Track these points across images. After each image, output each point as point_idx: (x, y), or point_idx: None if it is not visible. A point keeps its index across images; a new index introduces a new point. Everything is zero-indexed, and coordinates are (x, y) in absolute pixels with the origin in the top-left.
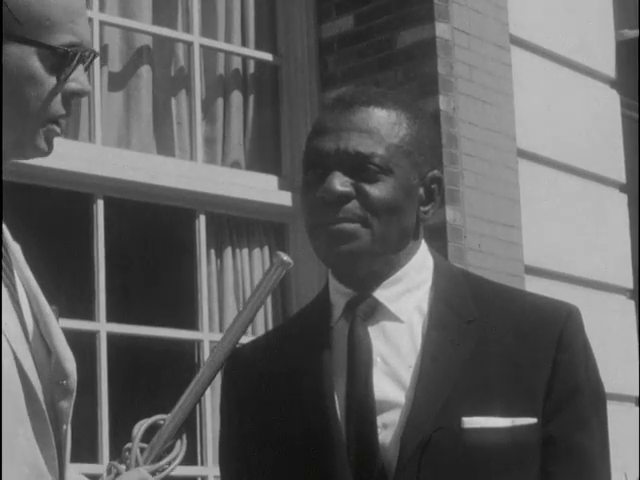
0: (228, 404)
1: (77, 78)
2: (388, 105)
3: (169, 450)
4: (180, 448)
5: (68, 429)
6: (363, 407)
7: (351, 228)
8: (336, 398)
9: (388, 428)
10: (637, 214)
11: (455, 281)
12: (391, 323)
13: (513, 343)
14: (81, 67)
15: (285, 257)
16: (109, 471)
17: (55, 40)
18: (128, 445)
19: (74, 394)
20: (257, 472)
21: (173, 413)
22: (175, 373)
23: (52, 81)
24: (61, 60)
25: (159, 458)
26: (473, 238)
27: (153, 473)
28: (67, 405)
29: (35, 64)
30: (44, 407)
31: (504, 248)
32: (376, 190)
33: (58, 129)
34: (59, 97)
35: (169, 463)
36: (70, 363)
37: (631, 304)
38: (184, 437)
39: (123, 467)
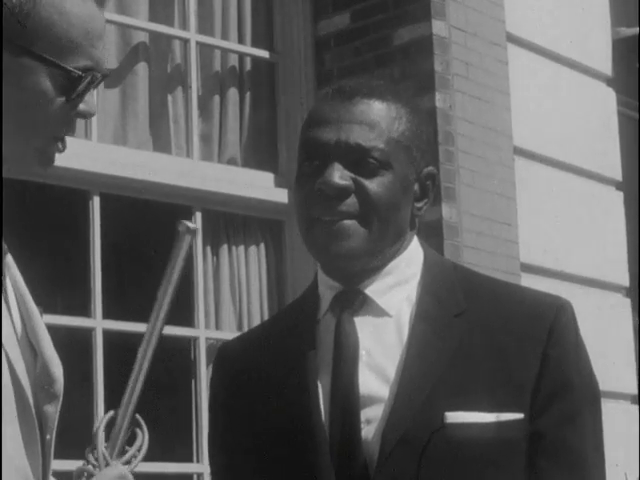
0: (216, 399)
1: (86, 100)
2: (388, 99)
3: (131, 442)
4: (143, 436)
5: (52, 439)
6: (347, 402)
7: (349, 226)
8: (320, 393)
9: (371, 423)
10: (637, 212)
11: (445, 274)
12: (379, 317)
13: (501, 336)
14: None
15: (189, 223)
16: (79, 475)
17: (71, 62)
18: (89, 447)
19: (60, 399)
20: (244, 467)
21: (122, 405)
22: (171, 370)
23: (60, 101)
24: (73, 82)
25: (122, 451)
26: (469, 236)
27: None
28: (53, 410)
29: (47, 83)
30: (34, 413)
31: (500, 246)
32: (375, 185)
33: (61, 146)
34: (65, 117)
35: (136, 454)
36: (57, 368)
37: (627, 302)
38: (143, 425)
39: (91, 468)
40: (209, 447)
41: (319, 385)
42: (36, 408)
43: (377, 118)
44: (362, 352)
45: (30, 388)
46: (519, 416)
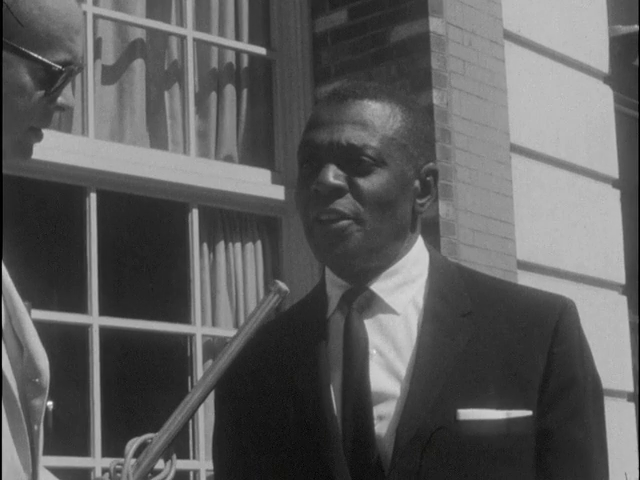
0: (223, 396)
1: (64, 93)
2: (382, 98)
3: (157, 471)
4: (169, 469)
5: (40, 429)
6: (359, 399)
7: (345, 226)
8: (332, 390)
9: (383, 420)
10: (637, 211)
11: (450, 275)
12: (387, 315)
13: (508, 336)
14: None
15: (282, 285)
16: None
17: (51, 56)
18: (118, 462)
19: (47, 392)
20: (253, 465)
21: (160, 433)
22: (167, 367)
23: (39, 94)
24: (51, 76)
25: (145, 477)
26: (465, 233)
27: None
28: (39, 403)
29: (26, 76)
30: (19, 405)
31: (497, 243)
32: (369, 183)
33: (39, 135)
34: (44, 110)
35: None
36: (43, 361)
37: (623, 299)
38: (174, 458)
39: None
40: (214, 445)
41: (331, 382)
42: (23, 401)
43: (370, 117)
44: (372, 351)
45: (15, 381)
46: (528, 413)
